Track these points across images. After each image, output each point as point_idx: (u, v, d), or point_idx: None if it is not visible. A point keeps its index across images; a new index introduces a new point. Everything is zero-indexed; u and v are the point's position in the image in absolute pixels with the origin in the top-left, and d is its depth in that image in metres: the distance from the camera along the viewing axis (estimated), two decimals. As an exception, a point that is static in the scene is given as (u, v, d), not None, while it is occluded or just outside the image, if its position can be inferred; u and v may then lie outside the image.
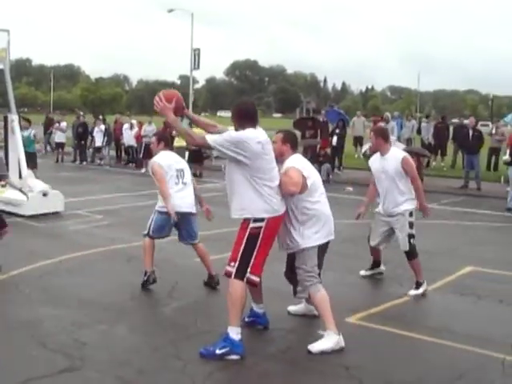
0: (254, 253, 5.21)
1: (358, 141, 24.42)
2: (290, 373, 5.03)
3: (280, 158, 5.68)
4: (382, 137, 7.47)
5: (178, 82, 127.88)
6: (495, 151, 21.16)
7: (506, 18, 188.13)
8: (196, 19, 39.01)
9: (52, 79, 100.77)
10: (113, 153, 24.56)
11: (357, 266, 8.19)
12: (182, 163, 7.49)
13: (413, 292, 7.24)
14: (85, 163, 23.56)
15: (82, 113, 28.52)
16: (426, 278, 7.38)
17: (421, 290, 7.26)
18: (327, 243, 5.81)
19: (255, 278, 5.29)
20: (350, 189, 16.49)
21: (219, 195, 13.02)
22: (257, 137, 5.21)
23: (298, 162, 5.74)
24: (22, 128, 13.95)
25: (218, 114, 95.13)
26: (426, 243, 9.42)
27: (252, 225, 5.21)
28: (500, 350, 5.44)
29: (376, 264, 8.10)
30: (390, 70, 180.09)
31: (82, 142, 24.13)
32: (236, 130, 5.34)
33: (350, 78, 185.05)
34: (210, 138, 5.19)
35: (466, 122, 20.47)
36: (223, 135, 5.25)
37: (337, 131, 19.60)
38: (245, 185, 5.22)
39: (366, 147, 14.60)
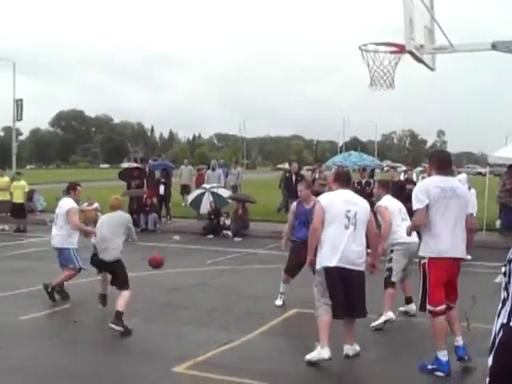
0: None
1: (185, 189, 23.59)
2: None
3: None
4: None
5: (2, 134, 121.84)
6: (319, 195, 21.99)
7: (326, 66, 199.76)
8: (18, 69, 37.54)
9: None
10: None
11: (183, 317, 8.13)
12: None
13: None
14: None
15: None
16: (255, 323, 7.54)
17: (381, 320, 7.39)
18: None
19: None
20: (178, 238, 16.42)
21: (44, 250, 12.51)
22: None
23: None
24: None
25: (101, 165, 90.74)
26: (254, 287, 9.67)
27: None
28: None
29: (407, 300, 8.06)
30: (216, 117, 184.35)
31: None
32: None
33: (178, 126, 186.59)
34: None
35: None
36: None
37: (162, 180, 19.54)
38: None
39: None
